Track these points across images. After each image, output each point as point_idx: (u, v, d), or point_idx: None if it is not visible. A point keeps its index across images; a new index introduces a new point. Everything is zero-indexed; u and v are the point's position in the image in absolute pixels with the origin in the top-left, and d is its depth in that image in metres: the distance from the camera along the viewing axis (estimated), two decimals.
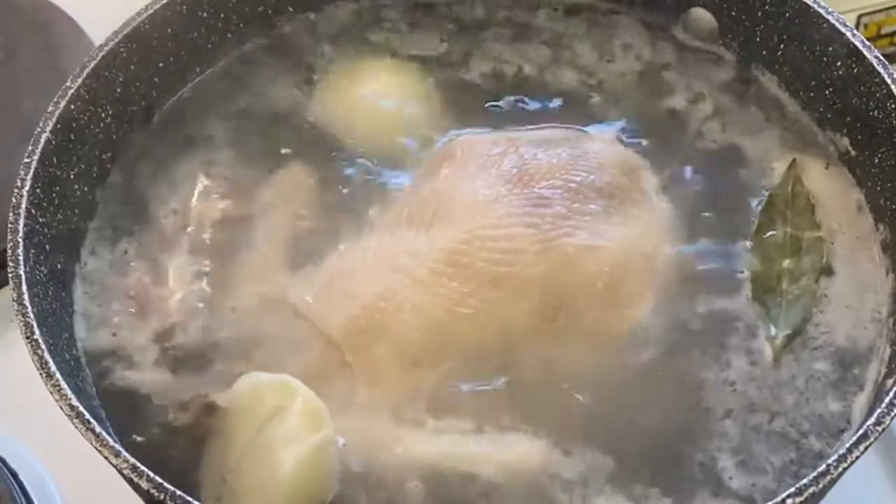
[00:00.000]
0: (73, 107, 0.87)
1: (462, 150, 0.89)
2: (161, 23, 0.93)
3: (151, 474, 0.70)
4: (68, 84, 0.87)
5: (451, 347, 0.81)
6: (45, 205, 0.84)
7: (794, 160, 0.91)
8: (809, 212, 0.88)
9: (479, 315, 0.81)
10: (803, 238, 0.87)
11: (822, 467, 0.71)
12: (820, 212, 0.89)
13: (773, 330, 0.84)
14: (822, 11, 0.90)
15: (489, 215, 0.83)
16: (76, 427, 0.73)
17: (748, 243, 0.88)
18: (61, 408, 0.73)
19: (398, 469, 0.78)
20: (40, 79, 1.15)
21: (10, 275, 0.78)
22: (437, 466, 0.78)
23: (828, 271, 0.86)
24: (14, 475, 0.96)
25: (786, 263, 0.86)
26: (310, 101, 0.96)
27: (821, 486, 0.70)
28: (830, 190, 0.90)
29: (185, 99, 0.96)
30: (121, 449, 0.72)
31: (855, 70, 0.88)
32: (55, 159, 0.85)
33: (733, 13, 0.96)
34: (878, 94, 0.86)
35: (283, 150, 0.93)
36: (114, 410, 0.81)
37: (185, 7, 0.94)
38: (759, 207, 0.89)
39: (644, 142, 0.93)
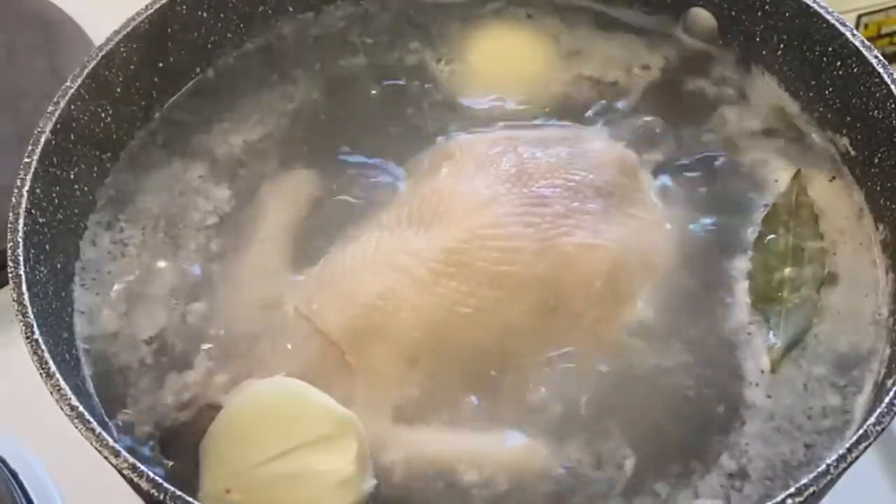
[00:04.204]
0: (73, 107, 0.87)
1: (461, 149, 0.89)
2: (161, 23, 0.93)
3: (151, 474, 0.70)
4: (68, 84, 0.87)
5: (451, 347, 0.81)
6: (45, 205, 0.84)
7: (798, 171, 0.91)
8: (813, 222, 0.88)
9: (479, 314, 0.81)
10: (805, 247, 0.87)
11: (822, 467, 0.71)
12: (823, 223, 0.89)
13: (772, 338, 0.83)
14: (822, 11, 0.89)
15: (488, 215, 0.84)
16: (76, 427, 0.73)
17: (749, 250, 0.87)
18: (61, 408, 0.73)
19: (398, 468, 0.78)
20: (40, 79, 1.15)
21: (10, 275, 0.78)
22: (436, 465, 0.78)
23: (830, 281, 0.86)
24: (14, 475, 0.96)
25: (787, 272, 0.86)
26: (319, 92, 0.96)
27: (820, 485, 0.70)
28: (833, 200, 0.90)
29: (185, 99, 0.96)
30: (121, 449, 0.72)
31: (855, 70, 0.88)
32: (55, 159, 0.85)
33: (733, 13, 0.96)
34: (878, 94, 0.86)
35: (284, 151, 0.93)
36: (114, 410, 0.81)
37: (185, 7, 0.94)
38: (761, 213, 0.89)
39: (641, 141, 0.93)
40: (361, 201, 0.90)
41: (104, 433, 0.72)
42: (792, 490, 0.70)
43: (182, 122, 0.95)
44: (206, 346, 0.84)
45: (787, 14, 0.92)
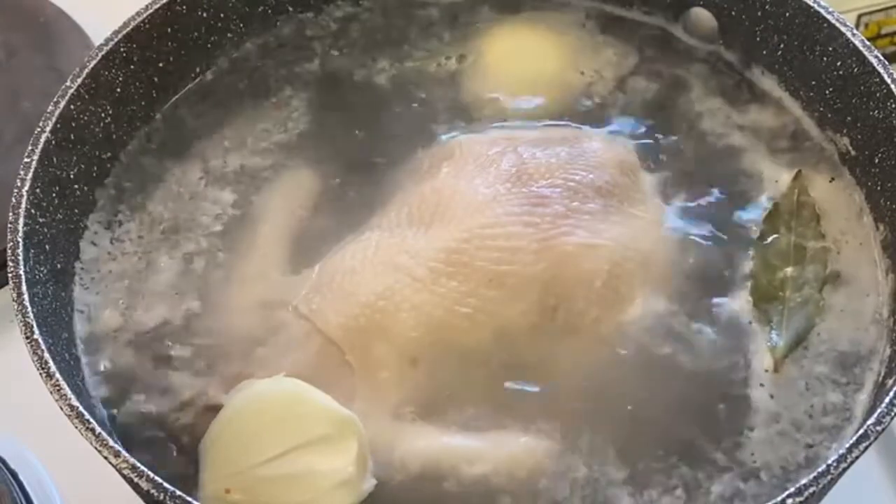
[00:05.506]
0: (73, 107, 0.87)
1: (461, 149, 0.89)
2: (161, 23, 0.93)
3: (151, 474, 0.70)
4: (68, 84, 0.87)
5: (451, 346, 0.81)
6: (45, 205, 0.84)
7: (799, 171, 0.91)
8: (815, 222, 0.88)
9: (478, 314, 0.81)
10: (807, 247, 0.87)
11: (822, 467, 0.71)
12: (823, 222, 0.89)
13: (774, 337, 0.83)
14: (822, 11, 0.89)
15: (488, 214, 0.84)
16: (76, 427, 0.73)
17: (750, 249, 0.87)
18: (61, 408, 0.73)
19: (398, 466, 0.78)
20: (40, 79, 1.16)
21: (10, 275, 0.78)
22: (436, 464, 0.78)
23: (832, 280, 0.86)
24: (14, 475, 0.96)
25: (789, 271, 0.86)
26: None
27: (821, 486, 0.70)
28: (834, 200, 0.90)
29: (185, 99, 0.96)
30: (121, 449, 0.72)
31: (855, 70, 0.88)
32: (55, 159, 0.85)
33: (733, 13, 0.96)
34: (878, 94, 0.86)
35: (284, 151, 0.93)
36: (113, 410, 0.81)
37: (185, 7, 0.94)
38: (762, 213, 0.89)
39: (643, 141, 0.93)
40: (361, 201, 0.90)
41: (104, 433, 0.72)
42: (792, 490, 0.70)
43: (182, 122, 0.95)
44: (206, 346, 0.84)
45: (787, 14, 0.92)
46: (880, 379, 0.81)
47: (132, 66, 0.92)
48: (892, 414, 0.73)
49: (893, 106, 0.85)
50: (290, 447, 0.75)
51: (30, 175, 0.83)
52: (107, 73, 0.90)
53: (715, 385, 0.82)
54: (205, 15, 0.96)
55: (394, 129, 0.94)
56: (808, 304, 0.85)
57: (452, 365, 0.81)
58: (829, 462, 0.71)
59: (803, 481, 0.70)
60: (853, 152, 0.90)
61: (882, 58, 0.87)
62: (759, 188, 0.91)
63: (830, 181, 0.91)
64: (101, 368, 0.83)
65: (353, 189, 0.91)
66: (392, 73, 0.98)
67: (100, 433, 0.72)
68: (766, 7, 0.93)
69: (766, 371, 0.82)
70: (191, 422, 0.80)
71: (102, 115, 0.90)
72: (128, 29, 0.91)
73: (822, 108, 0.93)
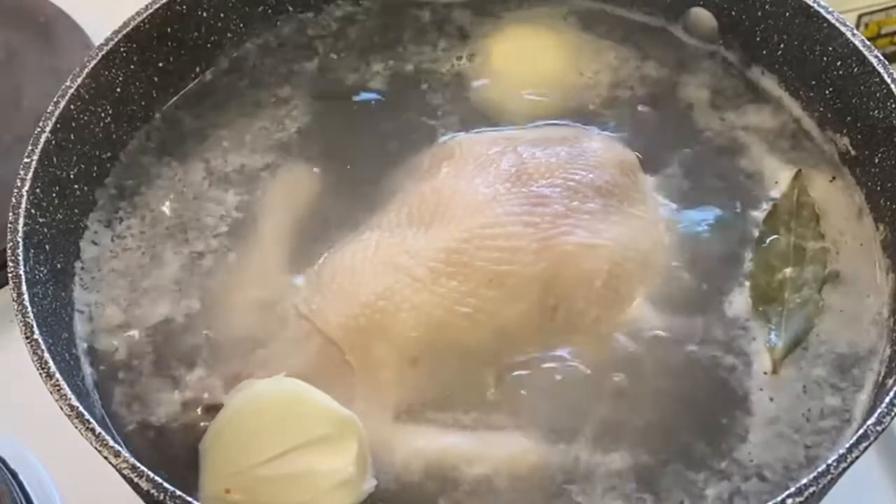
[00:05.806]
0: (73, 107, 0.87)
1: (461, 149, 0.89)
2: (161, 23, 0.93)
3: (151, 474, 0.70)
4: (68, 84, 0.87)
5: (450, 346, 0.81)
6: (44, 205, 0.84)
7: (799, 171, 0.91)
8: (814, 222, 0.88)
9: (478, 314, 0.81)
10: (807, 247, 0.87)
11: (822, 467, 0.71)
12: (823, 223, 0.89)
13: (773, 338, 0.83)
14: (822, 11, 0.90)
15: (488, 214, 0.84)
16: (76, 427, 0.73)
17: (749, 251, 0.87)
18: (61, 408, 0.73)
19: (398, 467, 0.78)
20: (40, 79, 1.16)
21: (10, 275, 0.78)
22: (436, 464, 0.78)
23: (831, 280, 0.86)
24: (14, 475, 0.96)
25: (788, 272, 0.86)
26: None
27: (821, 485, 0.70)
28: (834, 200, 0.90)
29: (184, 99, 0.96)
30: (121, 449, 0.72)
31: (855, 70, 0.88)
32: (55, 159, 0.85)
33: (733, 13, 0.96)
34: (878, 94, 0.86)
35: (285, 151, 0.93)
36: (114, 410, 0.81)
37: (185, 7, 0.94)
38: (762, 213, 0.89)
39: (642, 141, 0.93)
40: (361, 201, 0.90)
41: (104, 433, 0.72)
42: (792, 490, 0.70)
43: (182, 122, 0.95)
44: (206, 345, 0.84)
45: (787, 14, 0.92)
46: (880, 379, 0.81)
47: (132, 66, 0.92)
48: (892, 414, 0.73)
49: (893, 106, 0.85)
50: (290, 447, 0.75)
51: (30, 175, 0.83)
52: (107, 73, 0.90)
53: (714, 386, 0.82)
54: (205, 15, 0.96)
55: (393, 128, 0.94)
56: (807, 305, 0.85)
57: (452, 365, 0.81)
58: (829, 462, 0.71)
59: (803, 481, 0.70)
60: (853, 152, 0.90)
61: (882, 58, 0.87)
62: (759, 188, 0.91)
63: (831, 181, 0.91)
64: (102, 368, 0.83)
65: (353, 189, 0.91)
66: (391, 73, 0.98)
67: (100, 433, 0.72)
68: (766, 7, 0.93)
69: (765, 373, 0.82)
70: (191, 422, 0.80)
71: (102, 115, 0.90)
72: (128, 29, 0.91)
73: (822, 108, 0.93)
